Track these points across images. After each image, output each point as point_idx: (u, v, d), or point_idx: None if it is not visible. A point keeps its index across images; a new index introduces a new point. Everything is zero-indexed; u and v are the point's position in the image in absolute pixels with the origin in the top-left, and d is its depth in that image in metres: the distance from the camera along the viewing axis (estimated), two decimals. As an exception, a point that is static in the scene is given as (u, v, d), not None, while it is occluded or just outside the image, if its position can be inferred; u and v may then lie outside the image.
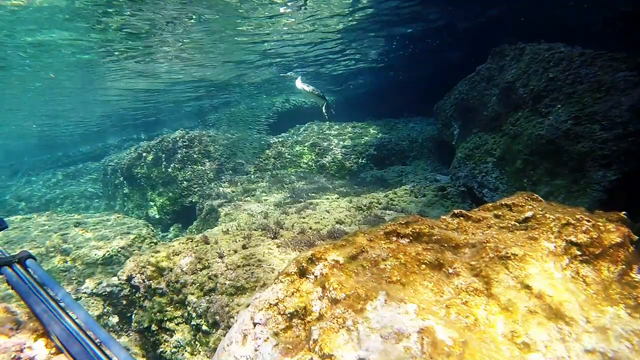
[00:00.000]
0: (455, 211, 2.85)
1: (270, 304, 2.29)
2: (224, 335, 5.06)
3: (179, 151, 15.07)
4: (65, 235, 10.35)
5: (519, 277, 2.12)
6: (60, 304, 1.75)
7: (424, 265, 2.36)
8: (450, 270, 2.31)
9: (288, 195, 10.32)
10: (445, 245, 2.51)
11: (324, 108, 12.47)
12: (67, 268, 8.89)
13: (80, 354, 1.46)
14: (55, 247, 9.48)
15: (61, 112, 25.31)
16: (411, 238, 2.53)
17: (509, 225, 2.58)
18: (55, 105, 22.94)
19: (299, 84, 12.38)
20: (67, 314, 1.67)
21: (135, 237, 10.15)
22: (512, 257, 2.21)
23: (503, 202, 2.80)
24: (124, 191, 17.53)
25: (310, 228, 6.57)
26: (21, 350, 1.86)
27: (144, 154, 16.33)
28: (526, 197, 2.74)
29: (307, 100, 22.09)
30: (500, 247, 2.31)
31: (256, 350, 2.15)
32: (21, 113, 23.71)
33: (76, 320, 1.66)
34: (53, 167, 27.81)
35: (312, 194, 10.10)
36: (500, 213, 2.74)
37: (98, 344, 1.49)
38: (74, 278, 8.62)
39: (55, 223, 11.53)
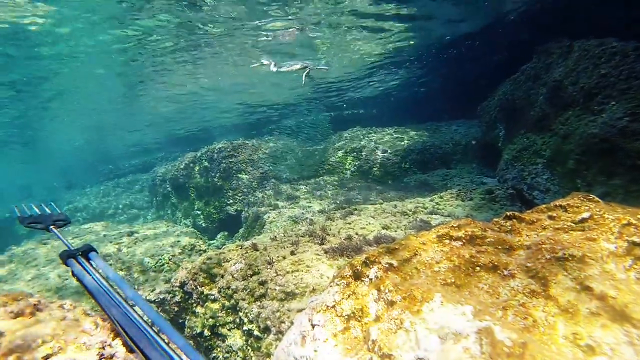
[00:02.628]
0: (508, 213, 2.83)
1: (328, 306, 2.38)
2: (276, 340, 5.20)
3: (224, 161, 15.54)
4: (120, 244, 10.93)
5: (578, 278, 2.08)
6: (121, 293, 1.88)
7: (478, 268, 2.37)
8: (506, 272, 2.30)
9: (332, 201, 10.43)
10: (499, 247, 2.50)
11: (308, 73, 12.28)
12: (122, 276, 9.30)
13: (141, 339, 1.54)
14: (110, 255, 10.01)
15: (110, 130, 27.08)
16: (464, 241, 2.54)
17: (565, 226, 2.53)
18: (104, 122, 24.55)
19: (274, 68, 12.34)
20: (128, 303, 1.78)
21: (185, 245, 10.56)
22: (569, 258, 2.18)
23: (557, 204, 2.75)
24: (172, 201, 18.27)
25: (357, 234, 6.61)
26: (103, 347, 2.04)
27: (191, 164, 16.99)
28: (581, 198, 2.68)
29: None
30: (556, 248, 2.28)
31: (316, 350, 2.24)
32: (75, 132, 25.45)
33: (136, 309, 1.77)
34: (105, 179, 29.31)
35: (356, 200, 10.14)
36: (554, 214, 2.70)
37: (158, 332, 1.56)
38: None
39: (109, 232, 12.21)
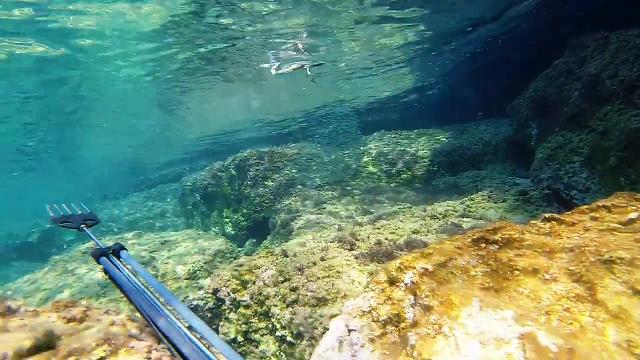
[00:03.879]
0: (546, 215, 2.73)
1: (364, 312, 2.36)
2: (309, 346, 5.20)
3: (250, 169, 15.68)
4: (153, 252, 11.15)
5: (629, 282, 1.98)
6: (152, 290, 1.89)
7: (517, 271, 2.29)
8: (547, 276, 2.22)
9: (359, 206, 10.34)
10: (539, 250, 2.41)
11: (309, 71, 12.43)
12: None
13: (172, 332, 1.54)
14: (144, 264, 10.13)
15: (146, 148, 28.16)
16: (501, 244, 2.47)
17: (610, 227, 2.42)
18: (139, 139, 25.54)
19: (274, 71, 12.43)
20: (158, 299, 1.79)
21: (216, 253, 10.71)
22: (617, 261, 2.07)
23: (600, 204, 2.63)
24: (201, 209, 18.51)
25: (386, 239, 6.53)
26: (150, 351, 2.10)
27: (218, 173, 17.21)
28: (628, 197, 2.55)
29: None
30: (602, 250, 2.18)
31: (353, 356, 2.22)
32: (109, 146, 26.53)
33: (167, 305, 1.76)
34: (137, 190, 30.12)
35: (384, 204, 10.04)
36: (597, 215, 2.58)
37: (189, 327, 1.56)
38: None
39: (142, 241, 12.50)
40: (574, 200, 7.49)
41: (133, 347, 2.05)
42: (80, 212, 2.76)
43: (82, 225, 2.55)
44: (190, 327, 1.54)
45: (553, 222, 2.67)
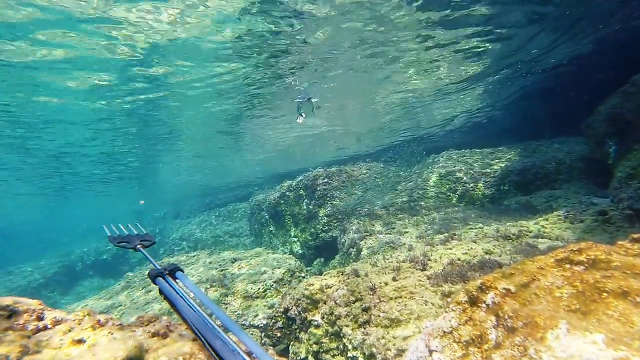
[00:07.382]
0: (635, 235, 2.63)
1: (445, 332, 2.42)
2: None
3: (318, 188, 15.87)
4: (225, 270, 11.40)
5: None
6: (207, 311, 1.91)
7: (605, 294, 2.24)
8: (638, 299, 2.15)
9: (429, 226, 10.18)
10: (628, 272, 2.34)
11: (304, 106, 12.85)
12: (228, 302, 9.62)
13: (226, 353, 1.46)
14: (216, 281, 10.50)
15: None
16: (586, 265, 2.43)
17: None
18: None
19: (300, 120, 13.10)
20: (214, 321, 1.77)
21: (285, 272, 10.86)
22: None
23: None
24: (270, 228, 18.81)
25: (459, 259, 6.42)
26: None
27: (287, 193, 17.55)
28: None
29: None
30: (700, 273, 2.08)
31: (436, 375, 2.29)
32: (181, 169, 28.33)
33: (223, 327, 1.74)
34: (207, 209, 30.94)
35: (454, 225, 9.81)
36: (693, 235, 2.46)
37: (248, 352, 1.48)
38: (234, 310, 9.29)
39: (213, 260, 12.82)
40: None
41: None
42: (136, 233, 2.81)
43: (138, 246, 2.58)
44: (249, 353, 1.47)
45: (643, 242, 2.57)
